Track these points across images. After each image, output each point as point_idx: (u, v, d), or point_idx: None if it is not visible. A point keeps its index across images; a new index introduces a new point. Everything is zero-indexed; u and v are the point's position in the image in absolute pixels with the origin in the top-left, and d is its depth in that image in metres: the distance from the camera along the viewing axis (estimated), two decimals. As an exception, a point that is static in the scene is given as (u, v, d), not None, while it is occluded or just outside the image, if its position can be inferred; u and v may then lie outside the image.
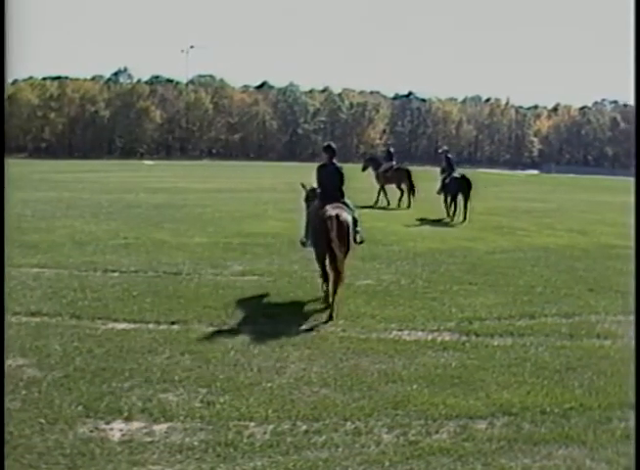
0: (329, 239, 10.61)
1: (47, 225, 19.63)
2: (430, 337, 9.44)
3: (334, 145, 12.16)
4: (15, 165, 62.79)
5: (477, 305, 11.21)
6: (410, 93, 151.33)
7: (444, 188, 25.58)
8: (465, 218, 23.94)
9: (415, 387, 7.48)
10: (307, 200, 13.05)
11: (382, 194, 29.02)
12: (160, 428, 6.34)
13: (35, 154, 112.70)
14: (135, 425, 6.39)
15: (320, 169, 11.87)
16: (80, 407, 6.70)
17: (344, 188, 11.77)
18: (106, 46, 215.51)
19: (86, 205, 26.07)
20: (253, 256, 15.36)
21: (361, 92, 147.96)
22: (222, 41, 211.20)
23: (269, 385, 7.46)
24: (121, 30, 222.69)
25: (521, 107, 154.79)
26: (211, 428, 6.35)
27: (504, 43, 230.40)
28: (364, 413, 6.73)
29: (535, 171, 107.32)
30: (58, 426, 6.29)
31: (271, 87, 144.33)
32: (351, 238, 11.21)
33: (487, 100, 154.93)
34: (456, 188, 24.77)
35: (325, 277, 11.22)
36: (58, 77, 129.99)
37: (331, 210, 10.97)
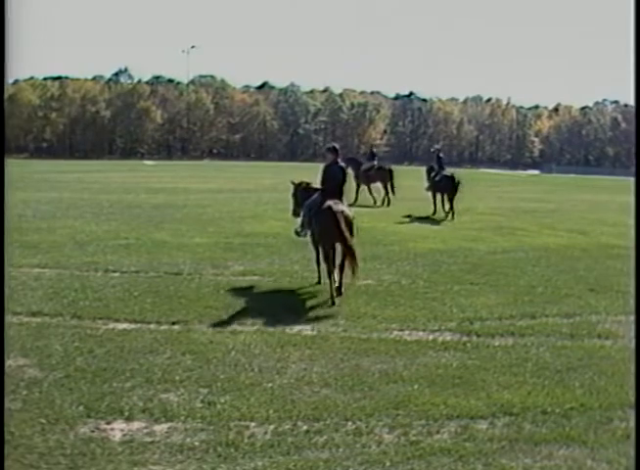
0: (340, 230, 11.48)
1: (48, 225, 19.62)
2: (431, 337, 9.44)
3: (338, 146, 13.13)
4: (16, 166, 62.83)
5: (478, 305, 11.21)
6: (411, 93, 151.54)
7: (434, 186, 26.13)
8: (452, 217, 24.60)
9: (416, 387, 7.47)
10: (295, 195, 14.17)
11: (359, 193, 29.03)
12: (161, 428, 6.33)
13: (36, 154, 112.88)
14: (136, 425, 6.38)
15: (326, 169, 12.65)
16: (81, 407, 6.69)
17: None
18: (107, 46, 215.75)
19: (87, 205, 26.07)
20: (254, 256, 15.36)
21: (362, 92, 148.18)
22: (223, 41, 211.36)
23: (270, 385, 7.46)
24: (122, 30, 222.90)
25: (522, 107, 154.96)
26: (212, 428, 6.34)
27: (505, 43, 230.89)
28: (365, 413, 6.73)
29: (536, 171, 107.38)
30: (59, 426, 6.29)
31: (272, 87, 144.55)
32: (354, 230, 12.03)
33: (488, 100, 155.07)
34: (447, 186, 25.46)
35: (328, 265, 11.81)
36: (59, 77, 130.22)
37: (336, 205, 11.88)
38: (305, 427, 6.40)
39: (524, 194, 41.66)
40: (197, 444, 6.03)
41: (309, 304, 11.14)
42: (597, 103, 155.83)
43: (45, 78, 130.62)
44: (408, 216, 24.94)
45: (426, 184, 27.31)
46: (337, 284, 11.73)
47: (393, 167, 30.78)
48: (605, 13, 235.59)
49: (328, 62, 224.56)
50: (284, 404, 6.90)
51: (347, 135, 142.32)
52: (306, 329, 9.69)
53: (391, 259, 15.25)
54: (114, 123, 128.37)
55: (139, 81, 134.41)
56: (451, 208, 24.99)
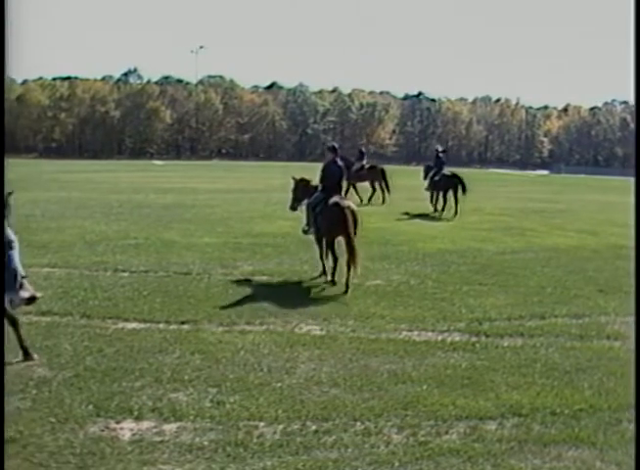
0: (347, 225, 12.28)
1: (57, 225, 19.67)
2: (439, 337, 9.44)
3: (337, 145, 14.09)
4: (25, 166, 62.95)
5: (487, 305, 11.21)
6: (420, 93, 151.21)
7: (434, 185, 26.57)
8: (455, 214, 25.11)
9: (425, 387, 7.47)
10: (295, 190, 14.77)
11: (350, 192, 29.09)
12: (171, 427, 6.35)
13: (45, 154, 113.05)
14: (145, 424, 6.40)
15: (326, 167, 13.44)
16: (91, 407, 6.72)
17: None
18: (116, 46, 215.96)
19: (96, 205, 26.12)
20: (263, 256, 15.38)
21: (371, 92, 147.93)
22: (232, 42, 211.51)
23: (279, 385, 7.47)
24: (131, 31, 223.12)
25: (531, 107, 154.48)
26: (221, 428, 6.36)
27: (514, 43, 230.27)
28: (374, 414, 6.73)
29: (545, 172, 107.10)
30: (68, 425, 6.31)
31: (281, 87, 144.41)
32: (358, 225, 12.71)
33: (497, 100, 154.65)
34: (446, 185, 26.00)
35: (334, 258, 12.65)
36: (68, 78, 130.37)
37: (342, 201, 12.93)
38: (314, 427, 6.41)
39: (533, 194, 41.57)
40: (206, 443, 6.04)
41: (318, 304, 11.15)
42: (606, 103, 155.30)
43: (54, 79, 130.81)
44: (417, 215, 24.96)
45: (425, 184, 27.69)
46: (345, 281, 12.19)
47: (386, 167, 31.52)
48: (614, 13, 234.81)
49: (337, 62, 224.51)
50: (293, 404, 6.91)
51: (356, 135, 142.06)
52: (315, 329, 9.71)
53: (400, 260, 15.25)
54: (124, 123, 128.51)
55: (148, 82, 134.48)
56: (456, 207, 25.57)
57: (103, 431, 6.25)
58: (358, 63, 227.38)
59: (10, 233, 7.70)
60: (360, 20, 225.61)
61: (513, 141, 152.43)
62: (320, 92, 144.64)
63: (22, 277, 7.81)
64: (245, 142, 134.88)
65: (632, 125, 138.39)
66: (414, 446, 6.10)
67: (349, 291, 12.01)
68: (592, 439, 6.29)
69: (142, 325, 9.67)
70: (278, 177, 52.12)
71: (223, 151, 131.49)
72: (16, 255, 7.69)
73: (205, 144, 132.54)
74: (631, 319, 10.43)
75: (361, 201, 28.80)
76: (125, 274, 12.96)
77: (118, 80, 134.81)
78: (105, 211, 23.49)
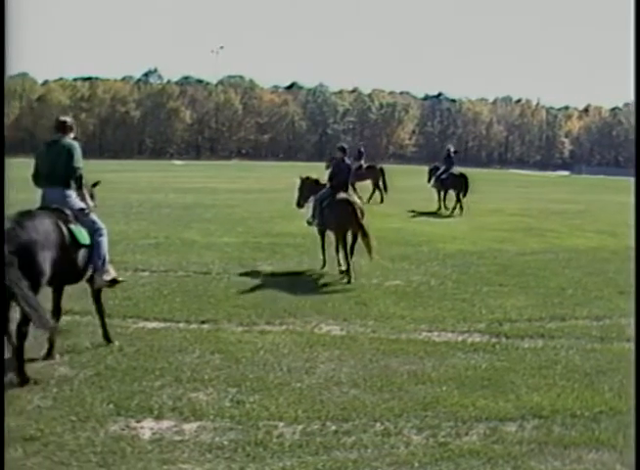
0: (357, 219, 13.20)
1: (78, 225, 19.74)
2: (460, 338, 9.42)
3: (346, 146, 15.23)
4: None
5: (507, 306, 11.17)
6: (440, 93, 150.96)
7: (441, 183, 27.30)
8: (461, 212, 26.00)
9: (445, 388, 7.46)
10: (301, 188, 15.62)
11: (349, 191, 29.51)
12: (190, 427, 6.36)
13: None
14: (165, 424, 6.42)
15: (336, 165, 14.57)
16: (111, 406, 6.74)
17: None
18: (136, 47, 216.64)
19: (116, 204, 26.17)
20: (283, 255, 15.41)
21: (391, 92, 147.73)
22: (252, 42, 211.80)
23: (299, 385, 7.48)
24: (152, 31, 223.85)
25: (551, 107, 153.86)
26: (241, 427, 6.36)
27: (535, 44, 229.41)
28: (393, 414, 6.72)
29: (566, 172, 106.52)
30: (89, 424, 6.34)
31: (300, 87, 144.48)
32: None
33: (518, 100, 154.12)
34: (454, 184, 26.80)
35: (345, 248, 13.32)
36: (89, 78, 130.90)
37: (351, 197, 13.99)
38: (334, 427, 6.40)
39: (553, 195, 41.40)
40: (226, 443, 6.05)
41: (338, 304, 11.13)
42: (627, 104, 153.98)
43: (75, 79, 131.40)
44: (434, 215, 24.96)
45: (430, 182, 28.56)
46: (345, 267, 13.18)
47: (385, 167, 32.31)
48: (634, 13, 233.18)
49: (356, 62, 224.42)
50: (312, 404, 6.91)
51: (376, 135, 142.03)
52: (335, 329, 9.71)
53: (420, 260, 15.23)
54: (144, 124, 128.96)
55: (168, 82, 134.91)
56: (460, 205, 26.38)
57: (123, 430, 6.27)
58: (378, 63, 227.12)
59: (99, 222, 8.65)
60: (380, 20, 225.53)
61: (533, 142, 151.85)
62: (340, 92, 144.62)
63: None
64: (264, 142, 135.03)
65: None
66: (434, 447, 6.08)
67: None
68: (612, 441, 6.24)
69: (162, 324, 9.71)
70: (297, 177, 52.26)
71: (243, 151, 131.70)
72: (105, 241, 8.60)
73: (224, 144, 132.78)
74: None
75: (361, 200, 28.88)
76: (145, 274, 13.01)
77: (139, 81, 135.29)
78: (125, 211, 23.58)
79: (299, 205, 15.72)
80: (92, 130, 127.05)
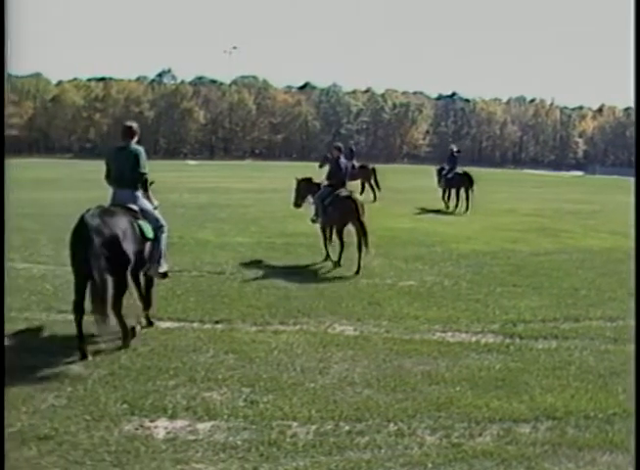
0: (358, 213, 14.12)
1: (92, 224, 19.80)
2: (473, 339, 9.41)
3: (342, 145, 16.22)
4: (61, 166, 63.45)
5: (521, 307, 11.14)
6: (454, 93, 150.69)
7: (447, 182, 28.26)
8: (467, 210, 26.73)
9: (458, 389, 7.45)
10: (298, 189, 16.52)
11: None
12: (204, 426, 6.38)
13: (81, 154, 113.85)
14: (179, 423, 6.44)
15: (333, 163, 15.27)
16: (125, 405, 6.77)
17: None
18: (150, 47, 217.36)
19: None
20: (296, 255, 15.43)
21: (404, 92, 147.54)
22: (265, 42, 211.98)
23: (312, 385, 7.48)
24: (165, 31, 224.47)
25: (565, 107, 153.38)
26: (255, 427, 6.38)
27: (549, 43, 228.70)
28: (407, 415, 6.72)
29: (580, 173, 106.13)
30: (103, 423, 6.36)
31: (314, 88, 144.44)
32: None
33: (532, 100, 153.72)
34: (459, 183, 27.79)
35: (342, 240, 14.28)
36: (102, 78, 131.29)
37: (353, 194, 14.90)
38: (347, 427, 6.41)
39: (567, 195, 41.27)
40: (239, 442, 6.06)
41: (352, 304, 11.13)
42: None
43: (89, 79, 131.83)
44: (445, 213, 24.97)
45: (436, 182, 29.60)
46: (357, 264, 13.76)
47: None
48: (635, 15, 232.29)
49: (370, 62, 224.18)
50: (326, 405, 6.91)
51: (389, 135, 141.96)
52: (349, 329, 9.71)
53: (434, 260, 15.21)
54: (158, 124, 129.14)
55: (182, 82, 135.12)
56: (467, 203, 27.18)
57: (137, 429, 6.30)
58: (391, 62, 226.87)
59: (162, 219, 9.66)
60: (394, 20, 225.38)
61: (547, 142, 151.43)
62: (353, 92, 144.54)
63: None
64: (278, 142, 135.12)
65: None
66: (447, 447, 6.08)
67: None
68: (626, 444, 6.22)
69: (176, 324, 9.73)
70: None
71: (256, 151, 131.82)
72: (165, 237, 9.65)
73: (238, 144, 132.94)
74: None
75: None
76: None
77: (153, 81, 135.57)
78: (139, 211, 23.58)
79: (297, 205, 16.73)
80: (106, 131, 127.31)
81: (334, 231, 14.85)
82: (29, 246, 15.67)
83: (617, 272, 14.46)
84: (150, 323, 9.55)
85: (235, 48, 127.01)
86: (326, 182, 15.28)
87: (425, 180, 38.96)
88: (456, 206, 27.38)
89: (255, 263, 14.26)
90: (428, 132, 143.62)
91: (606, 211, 30.36)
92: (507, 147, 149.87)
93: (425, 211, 27.22)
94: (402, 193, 30.50)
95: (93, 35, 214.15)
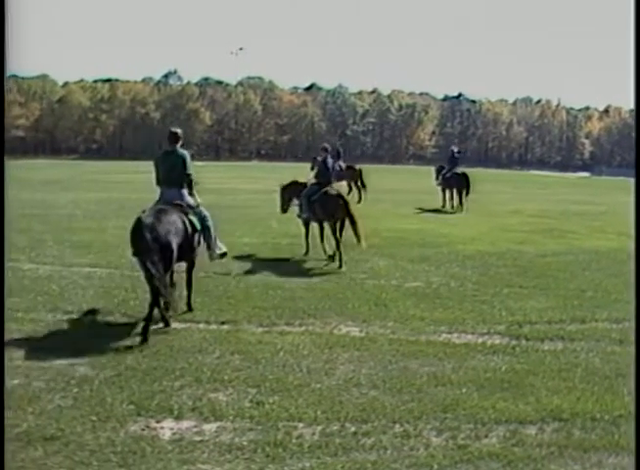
0: (348, 209, 14.78)
1: (98, 225, 19.88)
2: (479, 340, 9.39)
3: (328, 146, 16.85)
4: (67, 167, 63.51)
5: (527, 308, 11.13)
6: (460, 94, 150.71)
7: (446, 182, 28.96)
8: (462, 209, 27.48)
9: (464, 390, 7.44)
10: (282, 195, 17.35)
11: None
12: (210, 427, 6.38)
13: (87, 155, 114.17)
14: (185, 424, 6.44)
15: (320, 163, 15.90)
16: (131, 406, 6.77)
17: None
18: (156, 48, 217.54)
19: (137, 205, 26.12)
20: (302, 256, 15.42)
21: (410, 93, 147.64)
22: (271, 43, 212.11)
23: (318, 386, 7.48)
24: (171, 32, 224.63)
25: (572, 108, 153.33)
26: (261, 428, 6.37)
27: (555, 44, 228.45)
28: (413, 416, 6.71)
29: (586, 174, 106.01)
30: (109, 424, 6.37)
31: (320, 89, 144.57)
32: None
33: (538, 101, 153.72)
34: (458, 183, 28.40)
35: (335, 236, 14.89)
36: (109, 79, 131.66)
37: (338, 191, 15.76)
38: (353, 428, 6.40)
39: (573, 196, 41.24)
40: (245, 443, 6.06)
41: (357, 305, 11.12)
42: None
43: (95, 81, 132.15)
44: (450, 214, 24.95)
45: (435, 182, 30.46)
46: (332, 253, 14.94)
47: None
48: (635, 17, 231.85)
49: (376, 63, 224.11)
50: (332, 406, 6.91)
51: (396, 136, 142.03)
52: (354, 330, 9.71)
53: (440, 261, 15.20)
54: (164, 125, 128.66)
55: (188, 83, 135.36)
56: (460, 202, 28.01)
57: (143, 430, 6.30)
58: (398, 63, 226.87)
59: (206, 212, 10.94)
60: (400, 21, 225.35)
61: (554, 143, 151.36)
62: (359, 93, 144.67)
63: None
64: (284, 143, 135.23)
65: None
66: (453, 449, 6.07)
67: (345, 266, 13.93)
68: (632, 446, 6.20)
69: (182, 325, 9.73)
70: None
71: (262, 152, 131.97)
72: (212, 225, 10.96)
73: (244, 145, 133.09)
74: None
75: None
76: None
77: (159, 82, 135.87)
78: (145, 212, 23.62)
79: (284, 210, 17.46)
80: (112, 131, 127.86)
81: (325, 227, 15.63)
82: (35, 246, 15.67)
83: (623, 273, 14.42)
84: (188, 305, 10.56)
85: (241, 49, 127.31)
86: (314, 180, 15.92)
87: (430, 181, 38.94)
88: (455, 204, 28.08)
89: (261, 264, 14.27)
90: (434, 133, 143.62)
91: (612, 212, 30.29)
92: (513, 148, 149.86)
93: (424, 210, 27.31)
94: (406, 194, 30.42)
95: (99, 37, 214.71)
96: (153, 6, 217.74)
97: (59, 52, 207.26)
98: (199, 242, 10.67)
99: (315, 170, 16.22)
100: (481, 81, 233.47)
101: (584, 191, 49.78)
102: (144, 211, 9.60)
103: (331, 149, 16.74)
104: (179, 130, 11.15)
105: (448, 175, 28.94)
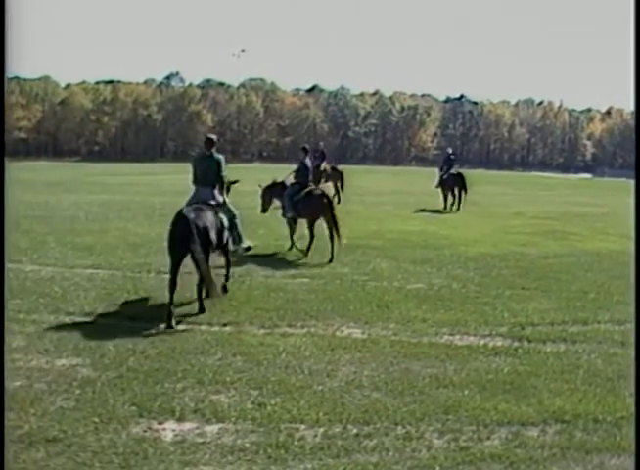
0: (331, 207, 15.62)
1: (100, 227, 19.88)
2: (481, 342, 9.39)
3: (308, 147, 17.98)
4: (69, 168, 63.54)
5: (529, 310, 11.12)
6: (462, 96, 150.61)
7: (443, 183, 30.01)
8: (458, 209, 28.54)
9: (466, 392, 7.44)
10: (263, 196, 18.07)
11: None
12: (212, 429, 6.38)
13: (89, 157, 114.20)
14: (187, 426, 6.44)
15: (300, 163, 16.79)
16: (134, 407, 6.77)
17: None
18: (158, 50, 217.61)
19: (139, 207, 26.37)
20: (305, 258, 15.42)
21: (412, 95, 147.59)
22: (273, 44, 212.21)
23: (320, 388, 7.48)
24: (173, 34, 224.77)
25: (574, 110, 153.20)
26: (263, 430, 6.38)
27: (557, 45, 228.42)
28: (415, 418, 6.71)
29: (588, 175, 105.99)
30: (111, 425, 6.37)
31: (322, 90, 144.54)
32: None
33: (540, 103, 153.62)
34: (454, 183, 29.44)
35: (312, 233, 15.88)
36: (111, 81, 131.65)
37: (320, 190, 16.51)
38: (355, 430, 6.40)
39: (575, 198, 41.19)
40: (247, 445, 6.06)
41: (359, 306, 11.12)
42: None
43: (97, 82, 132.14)
44: (452, 215, 24.91)
45: (435, 182, 30.94)
46: (330, 255, 15.29)
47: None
48: (635, 18, 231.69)
49: (378, 64, 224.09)
50: (334, 407, 6.91)
51: (398, 138, 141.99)
52: (356, 332, 9.71)
53: (442, 263, 15.20)
54: (166, 127, 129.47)
55: (190, 85, 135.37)
56: (459, 202, 28.93)
57: (145, 431, 6.30)
58: (399, 65, 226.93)
59: (234, 209, 12.09)
60: (401, 22, 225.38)
61: (556, 144, 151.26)
62: (361, 95, 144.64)
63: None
64: (286, 145, 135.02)
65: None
66: (455, 450, 6.07)
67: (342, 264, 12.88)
68: (633, 448, 6.20)
69: (184, 327, 9.73)
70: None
71: (264, 154, 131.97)
72: (239, 222, 12.06)
73: (246, 147, 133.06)
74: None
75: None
76: (168, 276, 13.02)
77: (161, 84, 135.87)
78: (147, 214, 23.69)
79: (264, 210, 18.25)
80: (114, 133, 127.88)
81: (309, 223, 16.09)
82: (37, 248, 15.68)
83: (625, 275, 14.41)
84: (224, 288, 11.85)
85: (243, 51, 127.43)
86: (293, 180, 16.85)
87: (429, 183, 38.94)
88: (452, 204, 28.95)
89: (263, 266, 14.27)
90: (436, 135, 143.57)
91: (614, 213, 30.27)
92: (515, 149, 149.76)
93: (426, 212, 27.35)
94: (408, 196, 30.43)
95: (101, 38, 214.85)
96: (155, 8, 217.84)
97: (61, 54, 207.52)
98: (227, 237, 11.59)
99: (295, 170, 16.97)
100: (483, 83, 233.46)
101: (586, 192, 49.73)
102: (182, 209, 10.76)
103: (315, 150, 17.69)
104: (215, 137, 12.27)
105: (445, 176, 29.90)
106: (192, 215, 10.49)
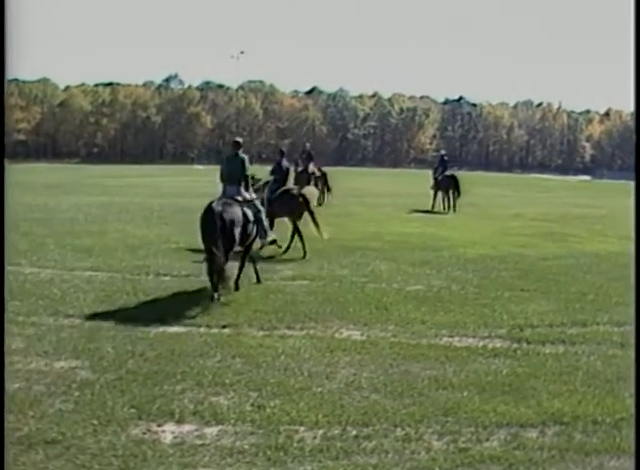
0: (309, 205, 16.71)
1: (99, 229, 19.88)
2: (481, 343, 9.39)
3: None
4: (68, 170, 63.53)
5: (528, 311, 11.12)
6: (461, 98, 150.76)
7: (437, 185, 30.95)
8: (454, 210, 29.26)
9: (465, 394, 7.43)
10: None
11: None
12: (212, 431, 6.37)
13: (88, 159, 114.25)
14: (186, 428, 6.43)
15: (276, 166, 17.73)
16: (133, 409, 6.76)
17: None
18: (157, 52, 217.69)
19: (138, 209, 26.37)
20: (304, 260, 15.42)
21: (411, 97, 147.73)
22: (272, 47, 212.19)
23: (319, 390, 7.47)
24: (172, 36, 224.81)
25: (573, 111, 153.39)
26: (262, 432, 6.37)
27: (556, 46, 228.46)
28: (414, 419, 6.71)
29: (587, 177, 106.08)
30: (110, 427, 6.36)
31: (321, 92, 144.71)
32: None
33: (539, 104, 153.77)
34: (447, 184, 30.30)
35: (298, 232, 16.59)
36: (110, 83, 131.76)
37: (299, 190, 17.79)
38: (354, 432, 6.39)
39: (574, 199, 41.24)
40: (246, 447, 6.05)
41: (359, 308, 11.11)
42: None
43: (96, 85, 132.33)
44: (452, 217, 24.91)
45: (431, 183, 31.75)
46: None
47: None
48: (635, 18, 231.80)
49: (377, 66, 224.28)
50: (333, 409, 6.90)
51: (396, 140, 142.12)
52: (356, 334, 9.70)
53: (441, 265, 15.20)
54: (165, 129, 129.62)
55: (189, 87, 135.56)
56: (454, 203, 29.75)
57: (144, 434, 6.29)
58: (398, 67, 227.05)
59: (259, 205, 13.05)
60: (400, 24, 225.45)
61: (555, 146, 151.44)
62: (360, 97, 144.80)
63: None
64: (285, 147, 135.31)
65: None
66: (454, 452, 6.06)
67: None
68: (634, 449, 6.20)
69: (183, 329, 9.73)
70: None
71: (263, 156, 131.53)
72: (264, 217, 12.91)
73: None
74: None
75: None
76: (167, 278, 13.05)
77: (160, 86, 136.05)
78: (146, 216, 23.71)
79: None
80: (113, 135, 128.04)
81: (292, 221, 16.89)
82: (37, 250, 15.67)
83: (624, 277, 14.41)
84: (258, 280, 12.93)
85: (242, 53, 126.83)
86: (272, 180, 17.55)
87: (428, 184, 39.00)
88: (447, 206, 29.95)
89: (262, 267, 14.25)
90: (435, 137, 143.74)
91: (613, 215, 30.31)
92: (514, 151, 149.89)
93: (425, 214, 27.37)
94: (403, 198, 30.48)
95: (100, 41, 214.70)
96: (154, 9, 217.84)
97: (60, 56, 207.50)
98: (252, 230, 12.38)
99: (271, 171, 17.82)
100: (482, 85, 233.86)
101: (585, 194, 49.79)
102: (211, 202, 11.78)
103: (302, 151, 18.65)
104: (241, 139, 13.56)
105: (440, 178, 30.76)
106: (219, 208, 11.55)
